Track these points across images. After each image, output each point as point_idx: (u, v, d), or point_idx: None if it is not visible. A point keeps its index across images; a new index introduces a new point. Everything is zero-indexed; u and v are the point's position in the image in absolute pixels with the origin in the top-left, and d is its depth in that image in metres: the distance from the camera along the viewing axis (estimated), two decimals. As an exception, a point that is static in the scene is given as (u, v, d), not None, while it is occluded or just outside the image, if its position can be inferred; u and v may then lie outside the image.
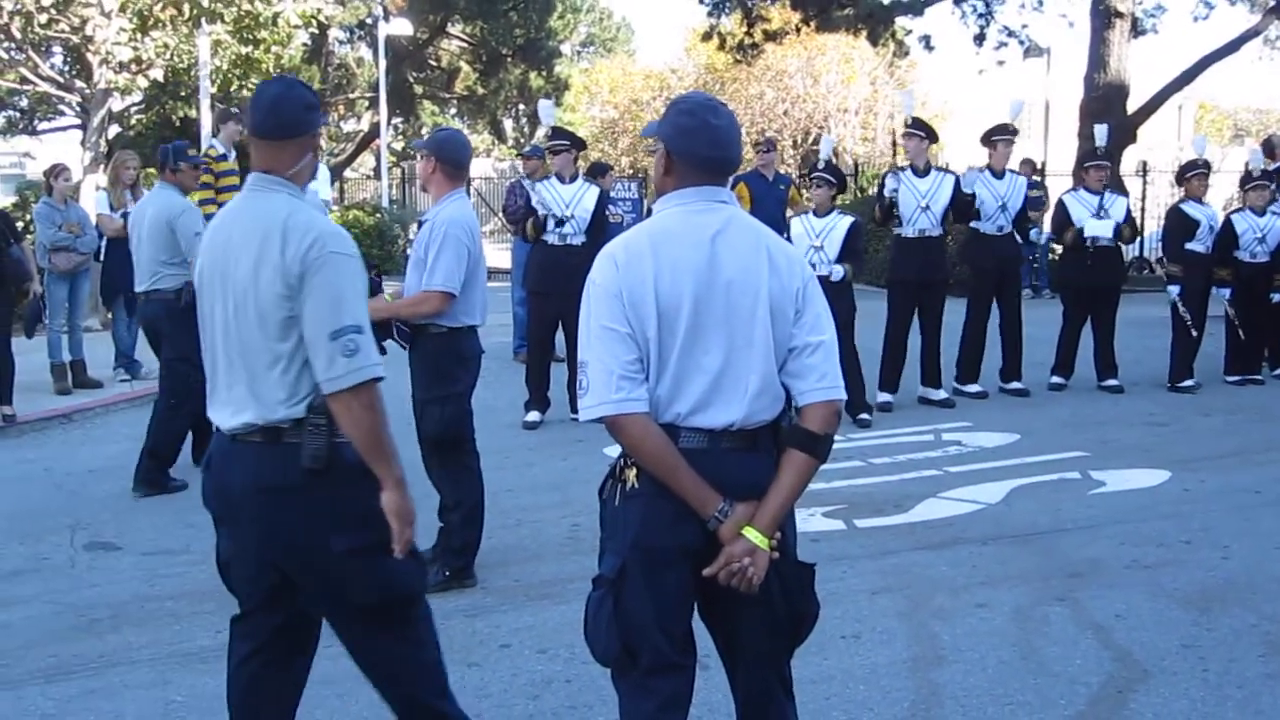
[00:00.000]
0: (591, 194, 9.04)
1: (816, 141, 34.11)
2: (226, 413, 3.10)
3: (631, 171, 32.85)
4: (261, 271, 2.99)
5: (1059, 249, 10.59)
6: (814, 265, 8.38)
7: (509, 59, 31.63)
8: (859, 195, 21.46)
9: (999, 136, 9.94)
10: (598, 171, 12.02)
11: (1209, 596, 5.31)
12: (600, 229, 9.01)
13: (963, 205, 9.57)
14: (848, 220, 8.86)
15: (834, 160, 10.03)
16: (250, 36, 16.14)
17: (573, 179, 9.10)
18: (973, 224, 9.90)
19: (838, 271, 8.59)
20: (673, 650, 2.93)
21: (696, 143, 2.92)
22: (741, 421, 2.87)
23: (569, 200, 8.88)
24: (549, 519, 6.53)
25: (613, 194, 11.84)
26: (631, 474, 2.90)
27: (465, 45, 33.27)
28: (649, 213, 3.09)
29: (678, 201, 2.93)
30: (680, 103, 3.01)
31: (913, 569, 5.72)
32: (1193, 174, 10.43)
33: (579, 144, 9.52)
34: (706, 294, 2.84)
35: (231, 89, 17.11)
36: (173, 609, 5.28)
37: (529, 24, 31.05)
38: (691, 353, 2.85)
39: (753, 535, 2.84)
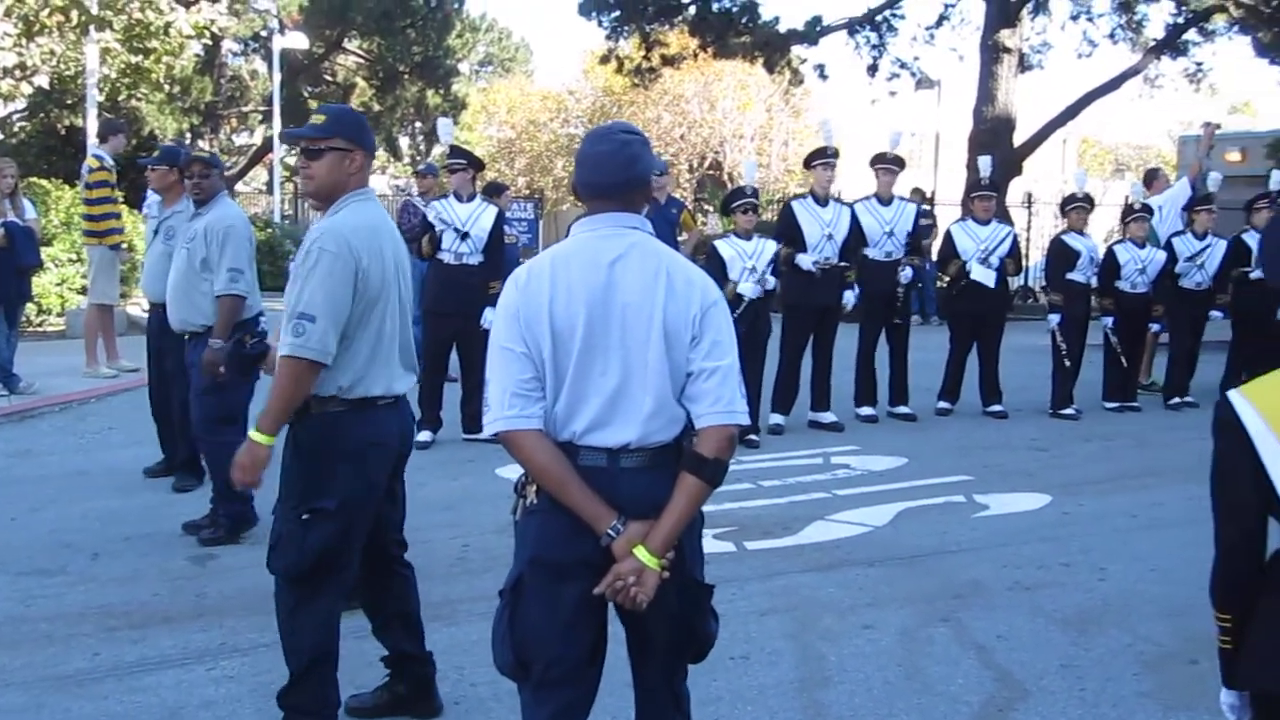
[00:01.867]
0: (489, 213, 9.01)
1: (713, 166, 34.51)
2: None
3: (528, 192, 32.79)
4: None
5: (946, 277, 10.81)
6: (755, 284, 8.90)
7: (406, 76, 31.39)
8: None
9: (878, 165, 10.15)
10: (494, 191, 12.00)
11: (1086, 617, 5.45)
12: (498, 249, 8.98)
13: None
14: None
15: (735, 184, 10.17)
16: (140, 46, 15.85)
17: (470, 198, 9.07)
18: (862, 251, 10.06)
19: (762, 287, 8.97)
20: (569, 662, 2.97)
21: (583, 170, 3.04)
22: (638, 441, 2.92)
23: (466, 219, 8.84)
24: (439, 539, 6.48)
25: (509, 214, 11.82)
26: (532, 490, 2.98)
27: (362, 61, 32.97)
28: (568, 233, 3.16)
29: (587, 227, 3.01)
30: (589, 132, 3.13)
31: (801, 591, 5.78)
32: (1073, 206, 10.75)
33: (477, 164, 9.48)
34: (601, 316, 2.90)
35: (120, 98, 16.76)
36: (48, 631, 5.13)
37: (427, 42, 30.83)
38: (588, 373, 2.90)
39: (642, 555, 2.87)
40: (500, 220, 9.16)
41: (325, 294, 3.71)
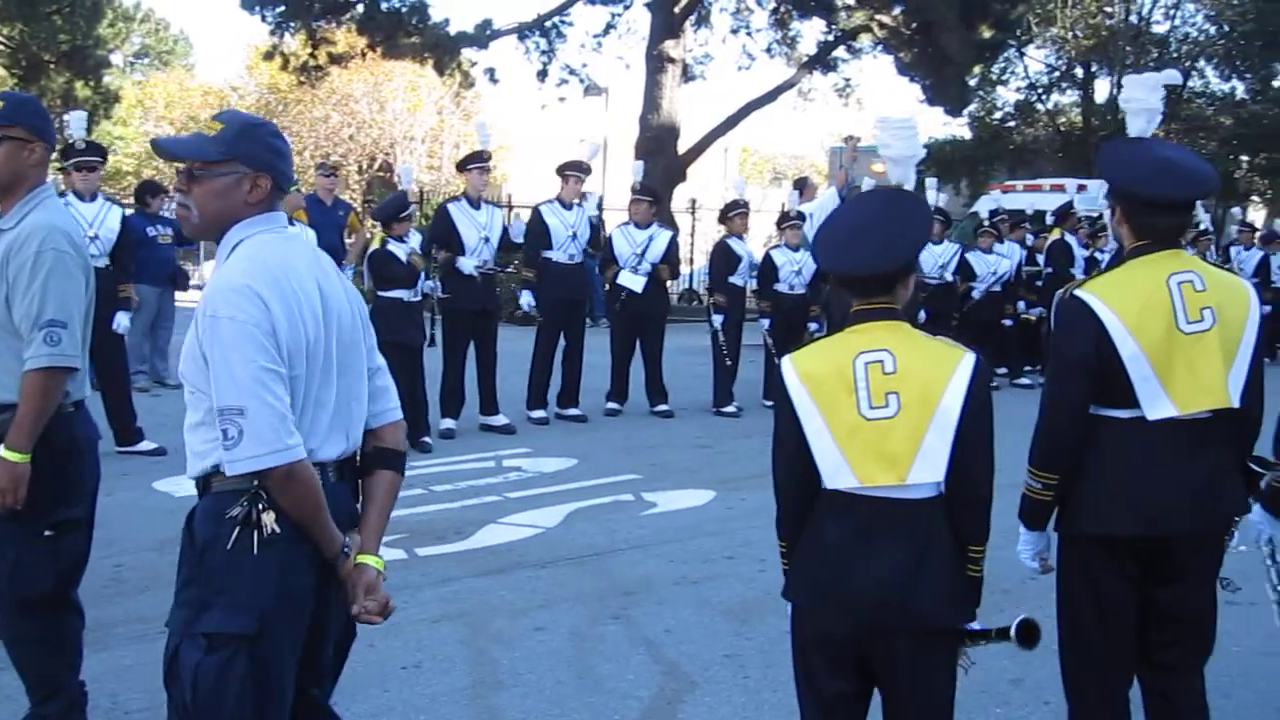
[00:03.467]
0: (115, 214, 8.60)
1: (383, 168, 33.95)
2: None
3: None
4: None
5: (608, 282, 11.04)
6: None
7: (52, 66, 29.31)
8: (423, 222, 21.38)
9: (571, 171, 10.24)
10: (151, 191, 11.43)
11: (749, 607, 5.65)
12: (125, 251, 8.60)
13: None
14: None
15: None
16: None
17: (93, 197, 8.58)
18: (544, 253, 10.11)
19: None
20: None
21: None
22: (350, 450, 2.84)
23: (91, 220, 8.34)
24: (91, 558, 6.05)
25: (164, 213, 11.23)
26: (270, 518, 2.63)
27: (3, 48, 30.62)
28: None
29: (264, 225, 2.77)
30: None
31: (473, 595, 5.74)
32: (734, 213, 11.20)
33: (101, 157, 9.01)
34: (325, 326, 2.75)
35: None
36: None
37: (75, 30, 28.92)
38: (323, 387, 2.74)
39: (373, 561, 2.82)
40: (129, 222, 8.79)
41: (66, 296, 3.49)
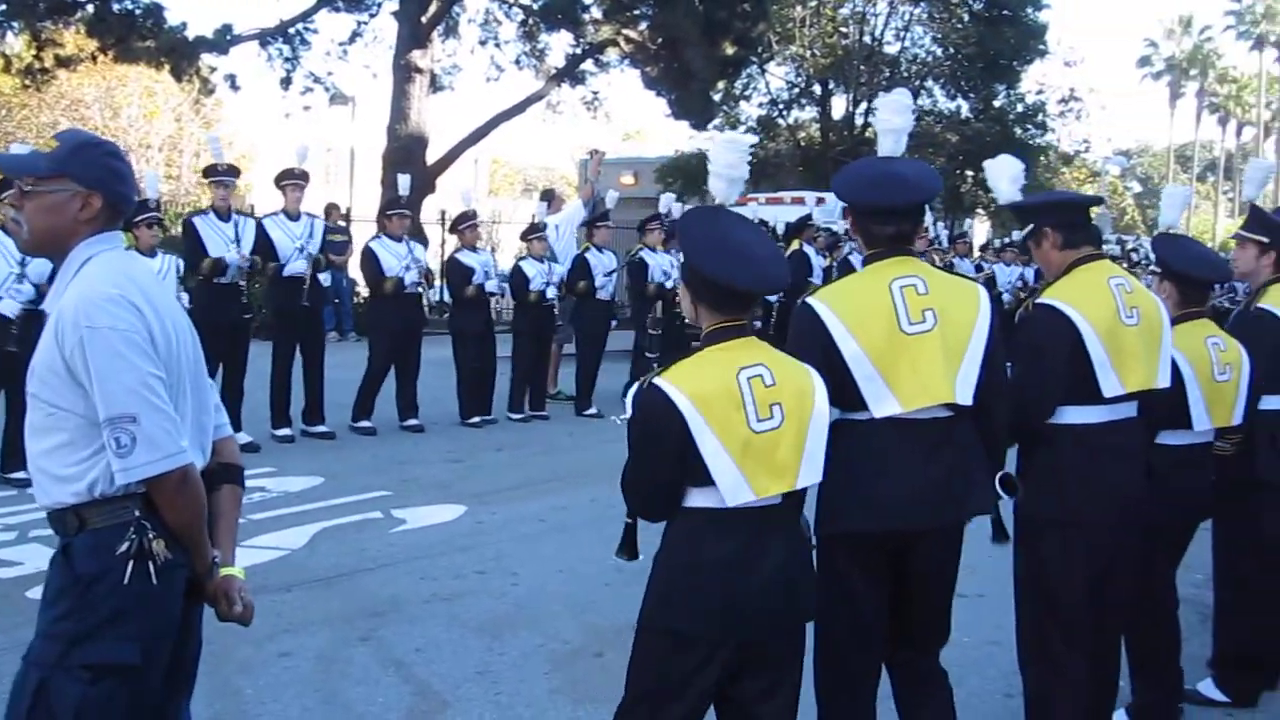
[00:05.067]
0: None
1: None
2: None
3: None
4: None
5: (364, 293, 10.88)
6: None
7: None
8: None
9: (288, 181, 10.01)
10: None
11: (500, 623, 5.62)
12: None
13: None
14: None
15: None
16: None
17: None
18: (273, 266, 9.84)
19: None
20: None
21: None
22: (204, 464, 2.78)
23: None
24: None
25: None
26: (160, 546, 2.61)
27: None
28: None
29: (106, 244, 2.75)
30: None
31: (213, 623, 5.45)
32: (464, 225, 11.17)
33: None
34: (179, 340, 2.74)
35: None
36: None
37: None
38: (181, 399, 2.71)
39: (236, 571, 2.87)
40: None
41: None
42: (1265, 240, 4.89)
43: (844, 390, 3.32)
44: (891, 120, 3.72)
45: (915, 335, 3.35)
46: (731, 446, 2.88)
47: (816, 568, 3.27)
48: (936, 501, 3.40)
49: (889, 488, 3.36)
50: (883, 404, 3.34)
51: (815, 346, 3.33)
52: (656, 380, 2.94)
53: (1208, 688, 4.85)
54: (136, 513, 2.58)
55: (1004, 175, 4.20)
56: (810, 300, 3.42)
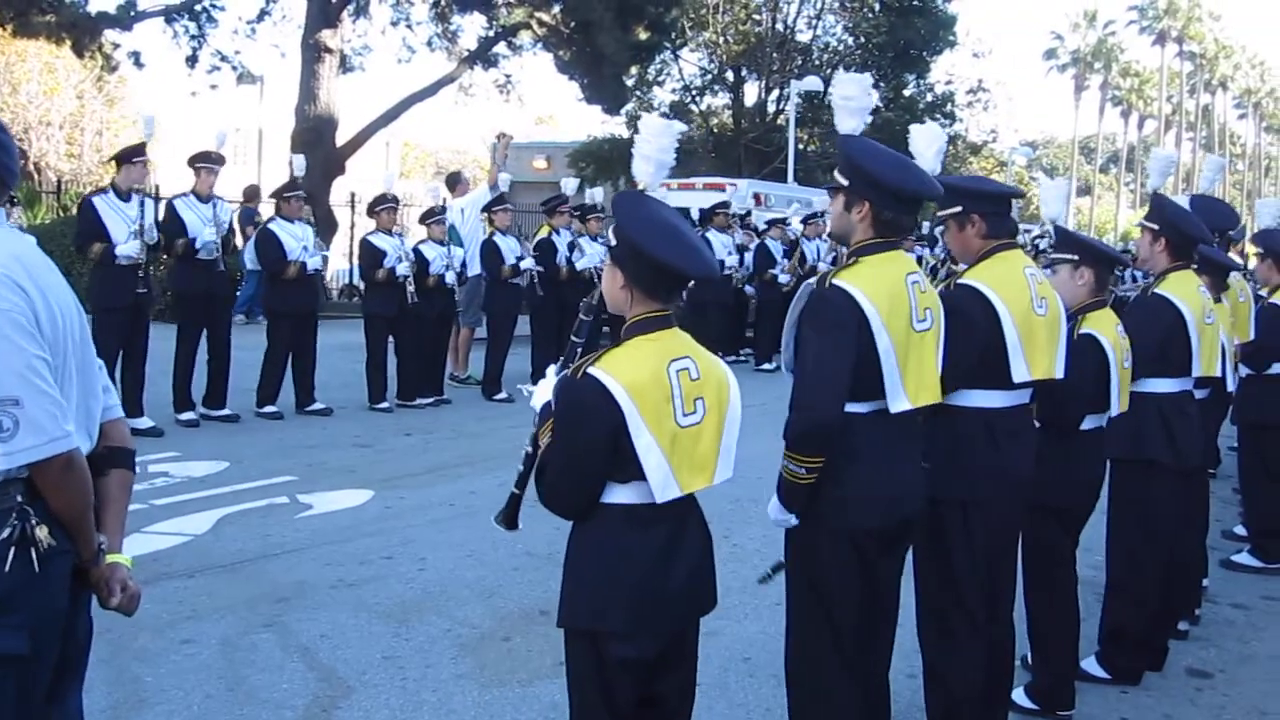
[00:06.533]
0: None
1: (20, 156, 31.54)
2: None
3: None
4: None
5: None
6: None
7: None
8: (60, 215, 20.06)
9: (202, 164, 9.85)
10: None
11: (408, 608, 5.60)
12: None
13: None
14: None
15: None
16: None
17: None
18: (182, 243, 9.68)
19: None
20: None
21: None
22: (90, 448, 2.68)
23: None
24: None
25: None
26: (43, 533, 2.52)
27: None
28: None
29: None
30: None
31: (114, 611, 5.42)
32: (381, 207, 11.07)
33: None
34: (68, 318, 2.60)
35: None
36: None
37: None
38: (67, 382, 2.58)
39: (123, 559, 2.78)
40: None
41: None
42: (1155, 228, 5.05)
43: (865, 381, 3.36)
44: (857, 99, 3.64)
45: (920, 333, 3.46)
46: (663, 441, 2.83)
47: (828, 560, 3.41)
48: (920, 491, 3.58)
49: (903, 477, 3.50)
50: (898, 399, 3.42)
51: (852, 330, 3.32)
52: (592, 370, 2.84)
53: (1090, 664, 4.98)
54: (19, 498, 2.49)
55: (930, 144, 4.18)
56: (842, 284, 3.37)
